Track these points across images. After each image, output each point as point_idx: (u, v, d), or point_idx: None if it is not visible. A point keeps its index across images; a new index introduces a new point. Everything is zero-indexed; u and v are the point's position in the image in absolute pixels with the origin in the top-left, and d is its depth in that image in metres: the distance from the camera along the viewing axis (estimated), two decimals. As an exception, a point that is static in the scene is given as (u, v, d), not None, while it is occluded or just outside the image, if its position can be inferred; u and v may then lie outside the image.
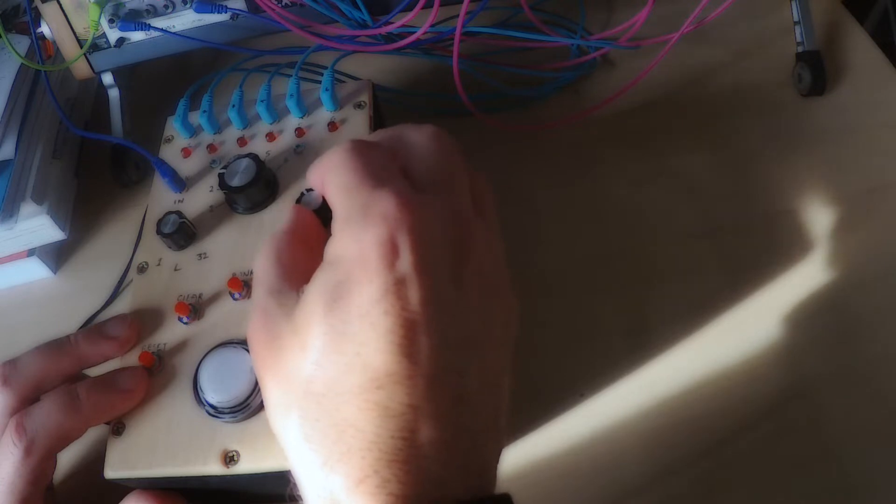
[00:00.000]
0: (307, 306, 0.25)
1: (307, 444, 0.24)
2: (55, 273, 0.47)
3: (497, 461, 0.26)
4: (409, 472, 0.23)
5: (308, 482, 0.24)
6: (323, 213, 0.34)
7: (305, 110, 0.40)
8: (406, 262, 0.24)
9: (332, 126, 0.39)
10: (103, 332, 0.32)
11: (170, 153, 0.40)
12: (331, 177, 0.27)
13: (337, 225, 0.26)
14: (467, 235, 0.26)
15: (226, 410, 0.30)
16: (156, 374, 0.32)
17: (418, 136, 0.29)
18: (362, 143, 0.28)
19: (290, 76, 0.40)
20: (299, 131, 0.39)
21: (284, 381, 0.25)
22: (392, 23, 0.43)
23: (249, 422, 0.30)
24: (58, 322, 0.43)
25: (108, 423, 0.31)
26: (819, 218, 0.43)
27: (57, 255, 0.48)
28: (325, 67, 0.41)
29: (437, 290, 0.24)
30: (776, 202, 0.44)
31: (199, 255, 0.35)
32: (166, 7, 0.44)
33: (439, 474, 0.23)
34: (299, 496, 0.25)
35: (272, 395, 0.26)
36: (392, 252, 0.24)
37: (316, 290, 0.25)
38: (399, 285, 0.24)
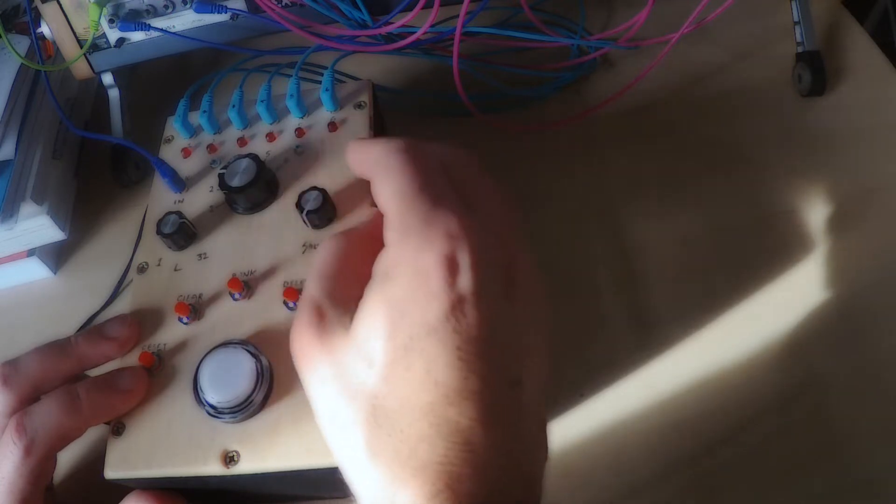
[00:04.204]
0: (370, 320, 0.25)
1: (375, 460, 0.24)
2: (55, 273, 0.47)
3: (543, 470, 0.26)
4: (480, 485, 0.23)
5: (371, 498, 0.24)
6: (323, 213, 0.34)
7: (305, 110, 0.40)
8: (466, 280, 0.24)
9: (332, 126, 0.39)
10: (103, 333, 0.32)
11: (170, 153, 0.40)
12: (385, 179, 0.27)
13: (394, 235, 0.26)
14: (513, 253, 0.27)
15: (226, 410, 0.30)
16: (156, 374, 0.32)
17: (457, 153, 0.29)
18: (416, 147, 0.28)
19: (290, 76, 0.40)
20: (299, 131, 0.39)
21: (348, 395, 0.25)
22: (392, 23, 0.43)
23: (249, 422, 0.30)
24: (58, 322, 0.43)
25: (108, 423, 0.31)
26: (819, 218, 0.43)
27: (57, 255, 0.48)
28: (325, 67, 0.41)
29: (495, 307, 0.25)
30: (776, 202, 0.44)
31: (199, 255, 0.35)
32: (166, 7, 0.44)
33: (501, 485, 0.24)
34: None
35: (333, 407, 0.25)
36: (452, 270, 0.24)
37: (378, 304, 0.25)
38: (461, 303, 0.24)
